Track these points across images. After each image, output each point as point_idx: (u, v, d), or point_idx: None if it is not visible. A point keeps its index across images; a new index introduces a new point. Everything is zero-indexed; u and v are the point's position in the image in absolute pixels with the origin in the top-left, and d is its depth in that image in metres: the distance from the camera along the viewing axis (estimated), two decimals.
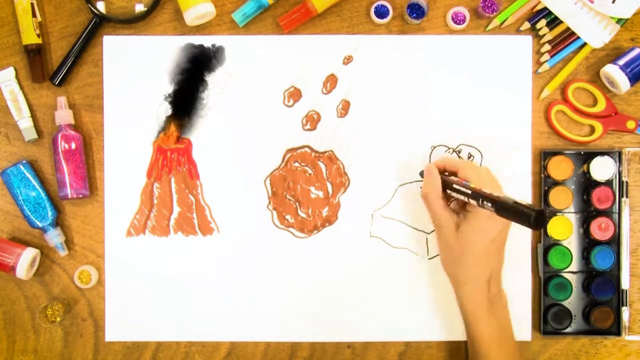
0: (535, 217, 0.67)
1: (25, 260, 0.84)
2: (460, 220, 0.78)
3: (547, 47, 0.88)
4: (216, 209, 0.88)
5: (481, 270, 0.78)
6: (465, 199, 0.76)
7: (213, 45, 0.88)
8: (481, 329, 0.78)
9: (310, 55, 0.88)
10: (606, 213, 0.87)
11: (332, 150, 0.88)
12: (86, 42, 0.87)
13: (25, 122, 0.87)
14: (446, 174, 0.82)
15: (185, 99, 0.88)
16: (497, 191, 0.75)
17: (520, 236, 0.88)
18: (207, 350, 0.88)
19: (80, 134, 0.87)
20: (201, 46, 0.88)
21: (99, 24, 0.87)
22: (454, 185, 0.78)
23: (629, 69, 0.85)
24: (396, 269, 0.88)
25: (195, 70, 0.88)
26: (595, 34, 0.88)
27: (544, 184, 0.88)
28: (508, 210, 0.69)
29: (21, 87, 0.88)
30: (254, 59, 0.88)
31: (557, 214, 0.88)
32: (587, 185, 0.88)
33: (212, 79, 0.88)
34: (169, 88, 0.88)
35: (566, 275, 0.88)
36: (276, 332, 0.88)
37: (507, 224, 0.77)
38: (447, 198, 0.81)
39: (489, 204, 0.72)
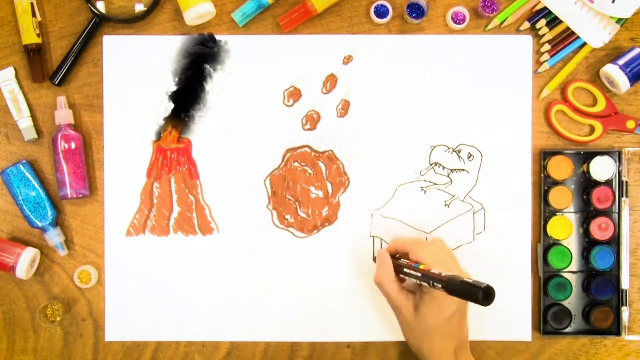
0: (483, 294, 0.67)
1: (25, 260, 0.84)
2: (418, 300, 0.78)
3: (547, 47, 0.88)
4: (216, 209, 0.88)
5: (446, 345, 0.78)
6: (418, 282, 0.76)
7: (213, 41, 0.87)
8: None
9: (310, 55, 0.88)
10: (606, 213, 0.87)
11: (332, 150, 0.88)
12: (86, 42, 0.87)
13: (25, 122, 0.87)
14: (397, 256, 0.81)
15: (186, 99, 0.88)
16: (451, 266, 0.76)
17: (521, 236, 0.88)
18: (207, 350, 0.88)
19: (80, 134, 0.87)
20: (202, 43, 0.87)
21: (99, 24, 0.87)
22: (405, 270, 0.78)
23: (629, 69, 0.85)
24: None
25: (195, 70, 0.88)
26: (595, 34, 0.88)
27: (544, 184, 0.88)
28: (456, 289, 0.70)
29: (21, 87, 0.88)
30: (254, 59, 0.88)
31: (557, 214, 0.88)
32: (587, 185, 0.88)
33: (212, 79, 0.88)
34: (169, 88, 0.88)
35: (566, 275, 0.88)
36: (276, 332, 0.88)
37: (460, 300, 0.77)
38: (403, 279, 0.80)
39: (439, 285, 0.72)
